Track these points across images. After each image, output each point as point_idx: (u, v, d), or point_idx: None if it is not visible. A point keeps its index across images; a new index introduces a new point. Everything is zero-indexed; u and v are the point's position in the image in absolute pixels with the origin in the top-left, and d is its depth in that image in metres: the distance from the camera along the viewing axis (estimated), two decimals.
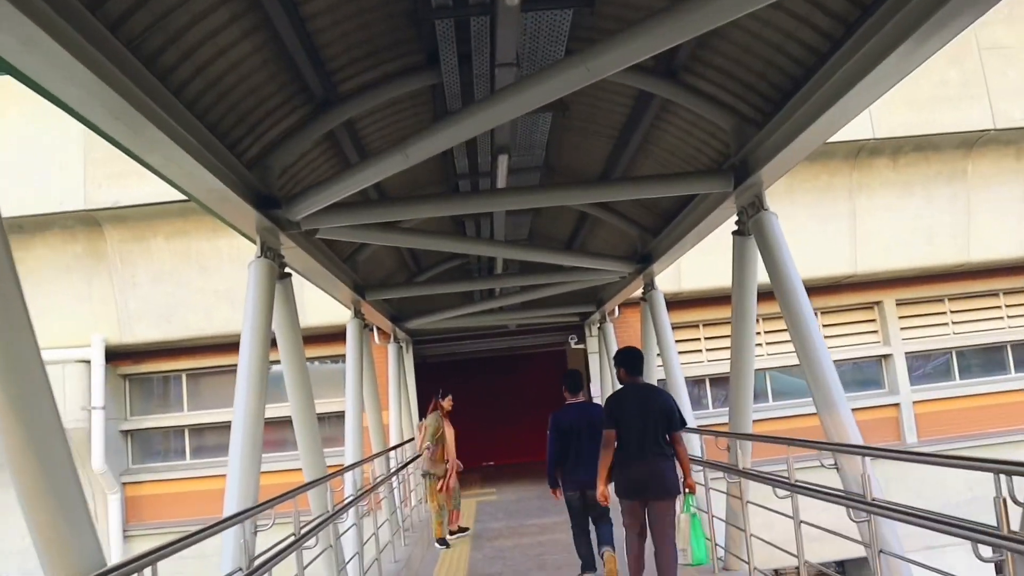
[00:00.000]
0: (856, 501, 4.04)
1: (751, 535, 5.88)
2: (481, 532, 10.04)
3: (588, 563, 6.67)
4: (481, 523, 10.76)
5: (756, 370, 15.55)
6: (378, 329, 13.73)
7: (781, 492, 4.97)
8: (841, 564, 13.45)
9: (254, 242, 5.57)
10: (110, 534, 14.41)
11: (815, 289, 12.46)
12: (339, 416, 9.31)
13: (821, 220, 14.40)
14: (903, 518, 3.59)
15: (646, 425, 5.52)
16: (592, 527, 6.60)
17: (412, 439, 12.78)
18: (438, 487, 9.04)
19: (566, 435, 6.49)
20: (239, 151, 5.41)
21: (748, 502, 5.91)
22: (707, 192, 6.36)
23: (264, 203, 5.42)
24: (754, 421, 14.59)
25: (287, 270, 6.11)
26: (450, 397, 9.45)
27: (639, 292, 11.52)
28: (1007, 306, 16.29)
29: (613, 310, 13.31)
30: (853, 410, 14.90)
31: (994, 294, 16.19)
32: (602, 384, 13.85)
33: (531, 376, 18.22)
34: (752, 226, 5.81)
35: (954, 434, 15.11)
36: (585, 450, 6.30)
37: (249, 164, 5.53)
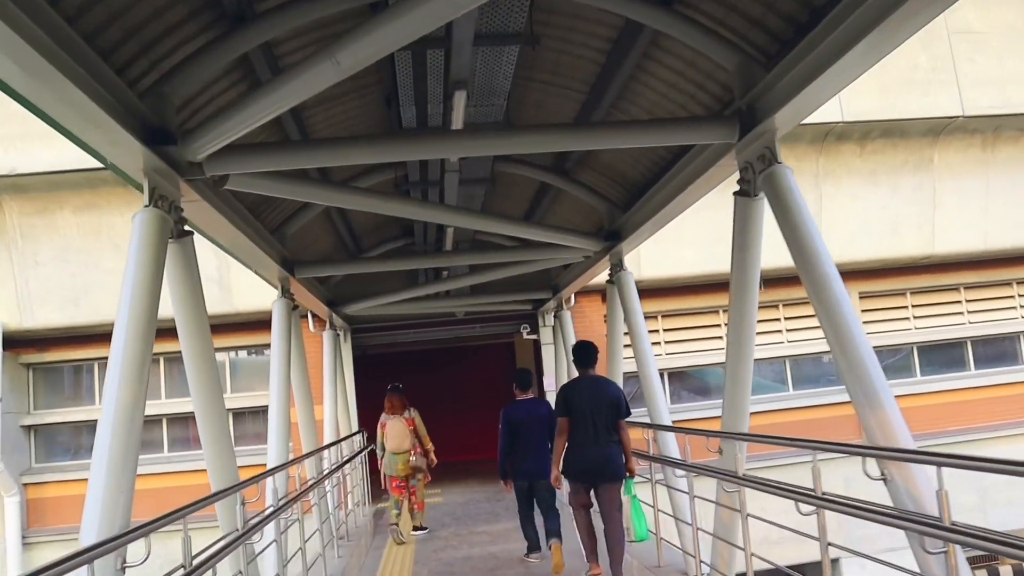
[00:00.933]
0: (930, 525, 3.09)
1: (752, 555, 4.93)
2: (426, 541, 8.95)
3: (534, 545, 7.35)
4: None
5: (713, 365, 15.06)
6: (313, 316, 12.50)
7: (805, 508, 4.02)
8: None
9: (141, 190, 4.37)
10: (7, 541, 12.84)
11: (775, 280, 11.76)
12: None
13: None
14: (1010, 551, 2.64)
15: (597, 414, 6.05)
16: (539, 514, 7.18)
17: (355, 434, 11.70)
18: (426, 480, 9.33)
19: (516, 429, 7.03)
20: (130, 77, 4.24)
21: (749, 515, 4.96)
22: (705, 142, 5.36)
23: (155, 137, 4.24)
24: (703, 419, 13.94)
25: (187, 228, 4.88)
26: None
27: (600, 278, 10.54)
28: (967, 301, 15.90)
29: (569, 298, 12.33)
30: (812, 407, 14.33)
31: (955, 288, 15.78)
32: (557, 376, 12.86)
33: (478, 371, 17.37)
34: (762, 183, 4.83)
35: (914, 432, 14.52)
36: (533, 443, 6.98)
37: (142, 94, 4.36)
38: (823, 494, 3.95)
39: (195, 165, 4.57)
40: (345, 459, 9.97)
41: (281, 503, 5.59)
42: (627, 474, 6.23)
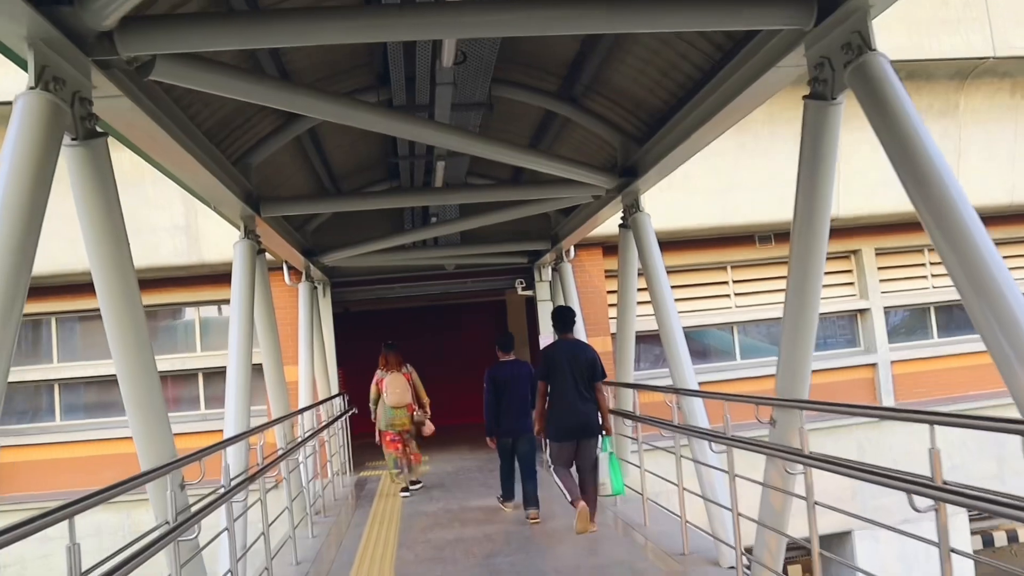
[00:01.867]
0: None
1: (820, 553, 3.95)
2: (411, 518, 7.96)
3: (509, 494, 7.80)
4: (411, 505, 8.68)
5: (713, 326, 14.07)
6: (289, 267, 11.38)
7: (922, 502, 3.01)
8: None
9: (24, 68, 3.23)
10: None
11: (785, 235, 10.74)
12: (257, 368, 7.13)
13: None
14: None
15: (575, 377, 6.43)
16: (520, 478, 7.52)
17: (336, 396, 10.81)
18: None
19: (500, 388, 7.39)
20: None
21: (816, 503, 3.97)
22: (773, 27, 4.21)
23: None
24: (720, 381, 13.00)
25: (99, 129, 3.72)
26: None
27: (601, 229, 9.49)
28: None
29: (569, 249, 11.25)
30: (822, 371, 13.35)
31: None
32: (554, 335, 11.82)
33: (466, 332, 16.60)
34: (851, 78, 3.74)
35: (935, 396, 13.75)
36: (515, 402, 7.37)
37: None
38: (944, 483, 2.95)
39: (104, 38, 3.43)
40: (323, 424, 8.97)
41: (234, 483, 4.53)
42: (603, 432, 6.62)
